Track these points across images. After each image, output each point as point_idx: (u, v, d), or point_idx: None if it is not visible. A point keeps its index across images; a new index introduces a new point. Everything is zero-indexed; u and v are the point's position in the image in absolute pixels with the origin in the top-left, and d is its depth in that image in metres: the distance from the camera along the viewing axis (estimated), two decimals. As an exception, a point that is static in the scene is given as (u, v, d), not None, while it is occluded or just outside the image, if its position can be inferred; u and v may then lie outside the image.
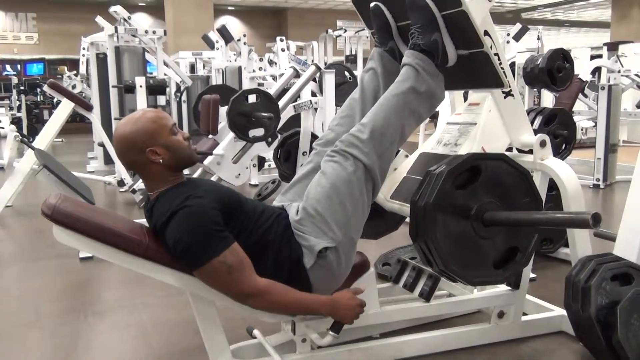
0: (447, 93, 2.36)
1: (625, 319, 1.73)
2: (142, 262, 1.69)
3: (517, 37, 6.50)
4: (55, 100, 9.39)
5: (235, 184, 3.81)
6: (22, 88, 11.84)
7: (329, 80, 4.41)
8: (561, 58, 3.40)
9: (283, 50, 6.67)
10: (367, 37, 9.48)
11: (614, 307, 1.76)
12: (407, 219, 1.88)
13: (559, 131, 3.19)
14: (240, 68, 7.22)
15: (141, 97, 5.10)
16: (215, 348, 1.81)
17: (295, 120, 4.40)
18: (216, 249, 1.62)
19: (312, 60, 8.73)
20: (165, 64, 7.00)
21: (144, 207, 1.85)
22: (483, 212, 1.78)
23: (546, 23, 20.84)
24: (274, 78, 6.70)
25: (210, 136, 4.13)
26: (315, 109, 4.43)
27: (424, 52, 1.89)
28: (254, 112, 3.63)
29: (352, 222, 1.80)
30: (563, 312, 2.06)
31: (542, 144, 2.05)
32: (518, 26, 6.58)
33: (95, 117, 5.48)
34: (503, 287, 2.18)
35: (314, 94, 4.85)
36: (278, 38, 6.86)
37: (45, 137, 4.60)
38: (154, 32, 6.62)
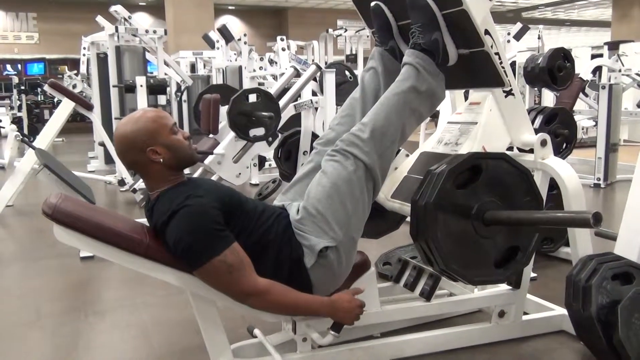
0: (447, 92, 2.36)
1: (626, 318, 1.73)
2: (143, 261, 1.69)
3: (518, 36, 6.49)
4: (55, 99, 9.40)
5: (236, 184, 3.82)
6: (22, 88, 11.85)
7: (330, 79, 4.41)
8: (562, 57, 3.39)
9: (283, 49, 6.68)
10: (368, 37, 9.47)
11: (615, 307, 1.76)
12: (408, 218, 1.88)
13: (560, 130, 3.19)
14: (240, 67, 7.22)
15: (142, 97, 5.11)
16: (216, 347, 1.81)
17: (295, 119, 4.39)
18: (217, 249, 1.62)
19: (313, 60, 8.73)
20: (166, 63, 7.00)
21: (145, 206, 1.85)
22: (484, 211, 1.78)
23: (547, 22, 20.83)
24: (275, 77, 6.71)
25: (211, 135, 4.13)
26: (316, 109, 4.43)
27: (424, 51, 1.89)
28: (254, 111, 3.63)
29: (353, 221, 1.80)
30: (564, 311, 2.06)
31: (543, 143, 2.05)
32: (519, 25, 6.57)
33: (95, 116, 5.49)
34: (504, 287, 2.18)
35: (314, 94, 4.85)
36: (278, 37, 6.86)
37: (46, 137, 4.61)
38: (154, 32, 6.63)
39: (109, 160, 6.64)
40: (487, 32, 1.88)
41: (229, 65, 7.61)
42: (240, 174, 3.89)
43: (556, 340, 2.18)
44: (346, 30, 9.83)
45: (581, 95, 5.81)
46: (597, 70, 6.53)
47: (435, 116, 4.40)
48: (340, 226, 1.77)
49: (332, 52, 9.78)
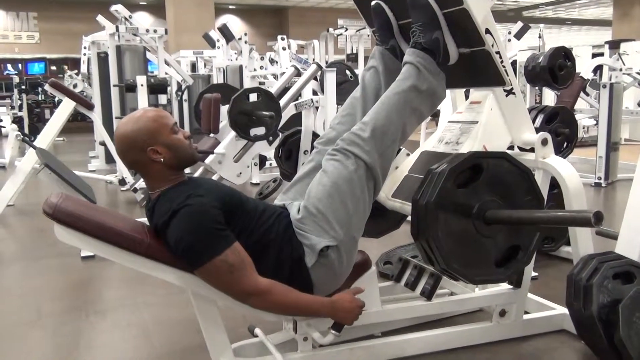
0: (448, 91, 2.36)
1: (627, 317, 1.73)
2: (144, 260, 1.69)
3: (519, 35, 6.49)
4: (56, 99, 9.41)
5: (237, 183, 3.82)
6: (23, 87, 11.85)
7: (330, 78, 4.41)
8: (562, 56, 3.40)
9: (284, 49, 6.69)
10: (368, 36, 9.49)
11: (616, 306, 1.76)
12: (409, 218, 1.88)
13: (561, 129, 3.18)
14: (241, 67, 7.22)
15: (142, 96, 5.10)
16: (217, 347, 1.81)
17: (296, 118, 4.39)
18: (217, 248, 1.62)
19: (313, 59, 8.73)
20: (166, 62, 7.00)
21: (145, 206, 1.85)
22: (485, 210, 1.78)
23: (547, 21, 20.81)
24: (275, 77, 6.71)
25: (212, 135, 4.13)
26: (317, 108, 4.43)
27: (425, 50, 1.89)
28: (255, 110, 3.63)
29: (354, 220, 1.80)
30: (565, 310, 2.06)
31: (544, 142, 2.05)
32: (519, 24, 6.56)
33: (96, 116, 5.49)
34: (505, 286, 2.18)
35: (315, 93, 4.84)
36: (279, 37, 6.87)
37: (47, 136, 4.61)
38: (155, 31, 6.63)
39: (109, 159, 6.64)
40: (487, 31, 1.87)
41: (229, 64, 7.61)
42: (240, 173, 3.89)
43: (557, 339, 2.17)
44: (347, 29, 9.84)
45: (582, 94, 5.81)
46: (598, 69, 6.51)
47: (436, 115, 4.40)
48: (341, 225, 1.77)
49: (333, 52, 9.79)
